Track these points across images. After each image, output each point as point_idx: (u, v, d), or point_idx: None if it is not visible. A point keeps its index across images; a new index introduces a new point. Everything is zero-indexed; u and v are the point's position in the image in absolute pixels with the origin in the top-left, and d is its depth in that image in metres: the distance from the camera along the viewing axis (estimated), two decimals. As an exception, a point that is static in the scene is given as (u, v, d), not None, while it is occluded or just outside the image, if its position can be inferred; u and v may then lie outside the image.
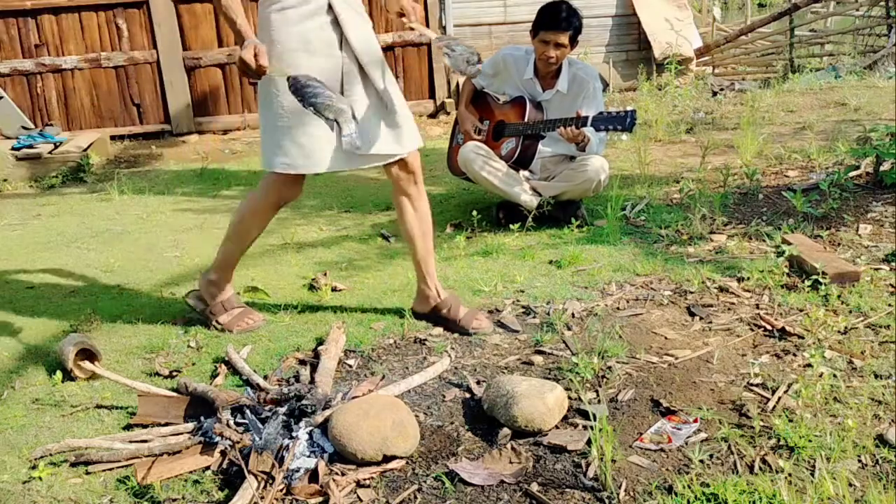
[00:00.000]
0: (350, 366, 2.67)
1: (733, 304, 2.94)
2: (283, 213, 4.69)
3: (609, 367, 2.50)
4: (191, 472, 2.10)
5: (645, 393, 2.35)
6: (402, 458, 2.10)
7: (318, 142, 2.68)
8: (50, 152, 6.09)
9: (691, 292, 3.07)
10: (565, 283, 3.25)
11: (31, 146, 6.14)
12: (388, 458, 2.08)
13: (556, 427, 2.19)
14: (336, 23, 2.64)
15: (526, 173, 4.09)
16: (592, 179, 3.88)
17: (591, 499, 1.90)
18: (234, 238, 2.97)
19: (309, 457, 2.10)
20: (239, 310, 3.02)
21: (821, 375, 2.33)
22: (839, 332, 2.63)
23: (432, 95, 7.82)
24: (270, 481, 1.97)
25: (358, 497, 1.98)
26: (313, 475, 2.03)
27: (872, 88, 6.76)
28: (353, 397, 2.33)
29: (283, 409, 2.23)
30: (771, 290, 3.01)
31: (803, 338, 2.61)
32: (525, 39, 4.62)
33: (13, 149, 6.09)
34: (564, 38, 3.86)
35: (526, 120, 3.99)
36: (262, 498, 1.93)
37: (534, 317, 2.93)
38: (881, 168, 4.18)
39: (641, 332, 2.76)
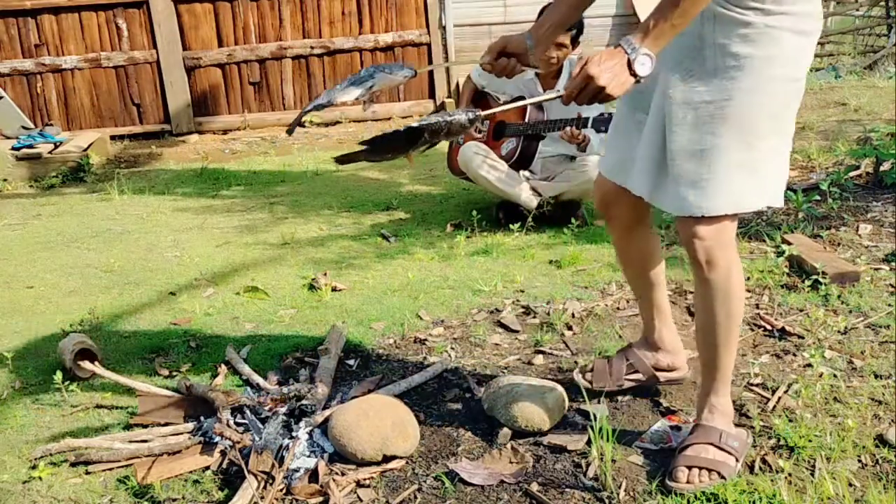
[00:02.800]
0: (350, 366, 2.67)
1: (733, 304, 2.94)
2: (283, 213, 4.71)
3: (609, 367, 2.50)
4: (191, 472, 2.10)
5: (645, 393, 2.35)
6: (402, 457, 2.10)
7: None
8: (50, 152, 6.09)
9: (691, 292, 3.06)
10: (565, 283, 3.25)
11: (31, 146, 6.14)
12: (388, 458, 2.08)
13: (556, 427, 2.19)
14: None
15: (526, 173, 4.09)
16: (592, 179, 3.87)
17: (591, 499, 1.90)
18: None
19: (309, 457, 2.10)
20: None
21: (821, 375, 2.33)
22: (839, 332, 2.62)
23: (432, 95, 7.82)
24: (270, 481, 1.97)
25: (358, 497, 1.98)
26: (313, 475, 2.03)
27: (872, 88, 6.75)
28: (353, 397, 2.33)
29: (283, 409, 2.23)
30: (771, 290, 3.01)
31: (803, 338, 2.60)
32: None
33: (13, 149, 6.09)
34: (566, 39, 3.86)
35: (526, 120, 3.99)
36: (262, 498, 1.93)
37: (534, 317, 2.93)
38: (881, 168, 4.18)
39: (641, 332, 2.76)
